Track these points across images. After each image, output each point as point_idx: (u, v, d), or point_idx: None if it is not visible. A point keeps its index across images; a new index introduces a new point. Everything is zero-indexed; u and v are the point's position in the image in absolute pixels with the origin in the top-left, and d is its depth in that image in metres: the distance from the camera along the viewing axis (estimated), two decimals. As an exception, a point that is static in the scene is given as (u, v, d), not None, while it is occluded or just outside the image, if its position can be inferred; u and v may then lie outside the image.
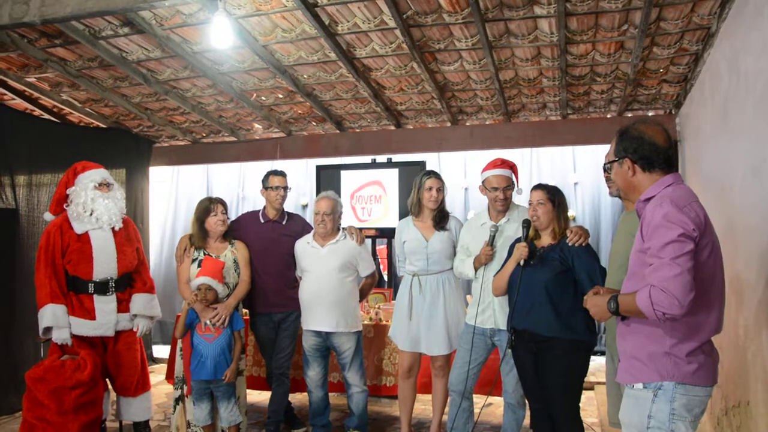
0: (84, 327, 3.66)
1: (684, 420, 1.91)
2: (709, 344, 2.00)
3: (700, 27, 3.69)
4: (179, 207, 7.57)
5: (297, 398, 4.78)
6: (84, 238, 3.68)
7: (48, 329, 3.60)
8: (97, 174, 3.78)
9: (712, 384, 1.97)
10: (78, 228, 3.68)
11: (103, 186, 3.77)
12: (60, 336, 3.59)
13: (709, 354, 1.98)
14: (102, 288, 3.71)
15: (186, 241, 3.85)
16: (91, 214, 3.69)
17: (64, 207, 3.75)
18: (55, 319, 3.56)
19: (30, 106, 5.59)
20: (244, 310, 4.09)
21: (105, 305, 3.71)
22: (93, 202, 3.69)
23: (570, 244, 2.94)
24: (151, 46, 4.43)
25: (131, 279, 3.91)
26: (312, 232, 3.97)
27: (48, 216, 3.83)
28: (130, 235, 3.91)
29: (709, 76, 3.82)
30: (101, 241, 3.71)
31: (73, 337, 3.63)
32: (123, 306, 3.80)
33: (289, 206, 4.20)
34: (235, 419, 3.58)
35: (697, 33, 3.80)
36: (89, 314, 3.67)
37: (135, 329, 3.86)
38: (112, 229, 3.76)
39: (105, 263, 3.71)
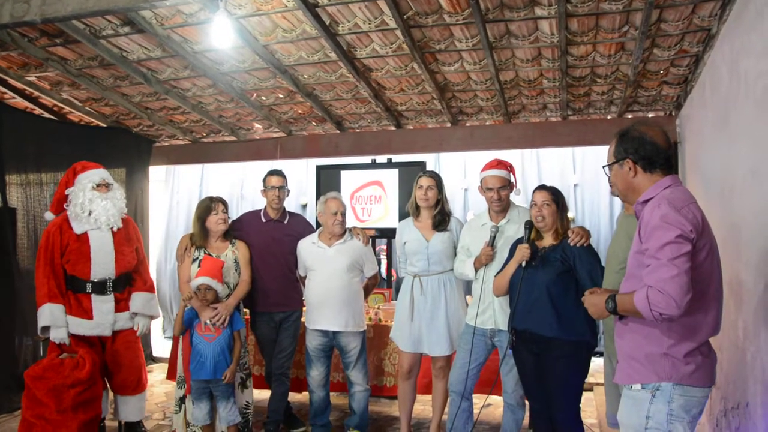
0: (81, 326, 3.67)
1: (682, 421, 1.92)
2: (707, 345, 2.00)
3: (701, 29, 3.69)
4: (175, 206, 7.57)
5: (296, 398, 4.78)
6: (83, 238, 3.69)
7: (46, 328, 3.61)
8: (95, 174, 3.79)
9: (710, 385, 1.98)
10: (77, 228, 3.70)
11: (102, 186, 3.77)
12: (57, 335, 3.60)
13: (707, 355, 1.98)
14: (100, 288, 3.72)
15: (186, 241, 3.85)
16: (89, 215, 3.70)
17: (64, 207, 3.76)
18: (52, 319, 3.58)
19: (30, 105, 5.59)
20: (245, 310, 4.09)
21: (102, 305, 3.72)
22: (91, 203, 3.71)
23: (571, 244, 2.95)
24: (151, 45, 4.43)
25: (130, 278, 3.91)
26: (317, 231, 3.97)
27: (49, 215, 3.85)
28: (130, 234, 3.92)
29: (709, 78, 3.82)
30: (99, 242, 3.72)
31: (72, 336, 3.64)
32: (122, 305, 3.81)
33: (289, 206, 4.20)
34: (234, 419, 3.58)
35: (697, 35, 3.80)
36: (87, 314, 3.68)
37: (135, 328, 3.87)
38: (111, 229, 3.77)
39: (103, 263, 3.72)
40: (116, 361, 3.83)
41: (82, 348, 3.63)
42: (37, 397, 3.46)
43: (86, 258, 3.68)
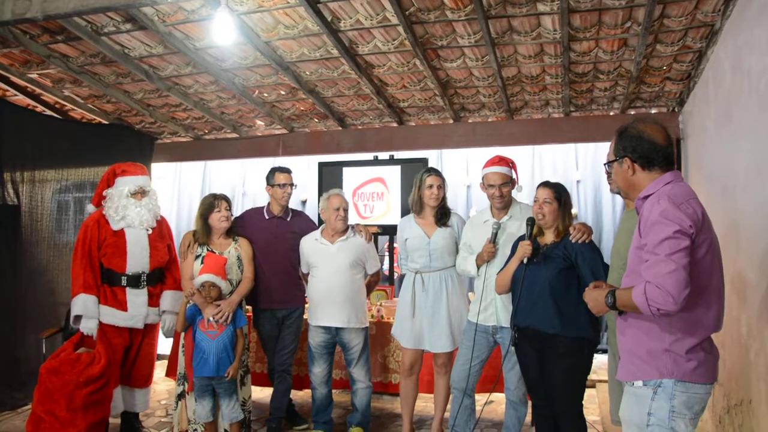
0: (115, 317, 3.76)
1: (684, 417, 1.91)
2: (709, 342, 1.99)
3: (704, 24, 3.68)
4: (179, 203, 7.58)
5: (298, 395, 4.79)
6: (119, 233, 3.81)
7: (78, 318, 3.70)
8: (132, 182, 3.88)
9: (712, 381, 1.97)
10: (113, 225, 3.81)
11: (138, 194, 3.87)
12: (87, 326, 3.69)
13: (709, 351, 1.98)
14: (134, 281, 3.82)
15: (189, 238, 3.86)
16: (122, 218, 3.80)
17: (102, 203, 3.87)
18: (85, 309, 3.67)
19: (32, 103, 5.59)
20: (247, 307, 4.09)
21: (136, 298, 3.82)
22: (125, 208, 3.82)
23: (573, 240, 2.94)
24: (153, 42, 4.43)
25: (163, 275, 4.00)
26: (320, 228, 3.98)
27: (90, 208, 3.99)
28: (163, 232, 4.04)
29: (712, 74, 3.81)
30: (135, 237, 3.83)
31: (103, 326, 3.72)
32: (153, 300, 3.91)
33: (290, 202, 4.20)
34: (237, 416, 3.59)
35: (700, 30, 3.79)
36: (121, 306, 3.78)
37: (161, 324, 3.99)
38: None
39: (138, 257, 3.82)
40: (138, 354, 3.93)
41: (103, 344, 3.68)
42: (50, 392, 3.48)
43: (122, 252, 3.78)
